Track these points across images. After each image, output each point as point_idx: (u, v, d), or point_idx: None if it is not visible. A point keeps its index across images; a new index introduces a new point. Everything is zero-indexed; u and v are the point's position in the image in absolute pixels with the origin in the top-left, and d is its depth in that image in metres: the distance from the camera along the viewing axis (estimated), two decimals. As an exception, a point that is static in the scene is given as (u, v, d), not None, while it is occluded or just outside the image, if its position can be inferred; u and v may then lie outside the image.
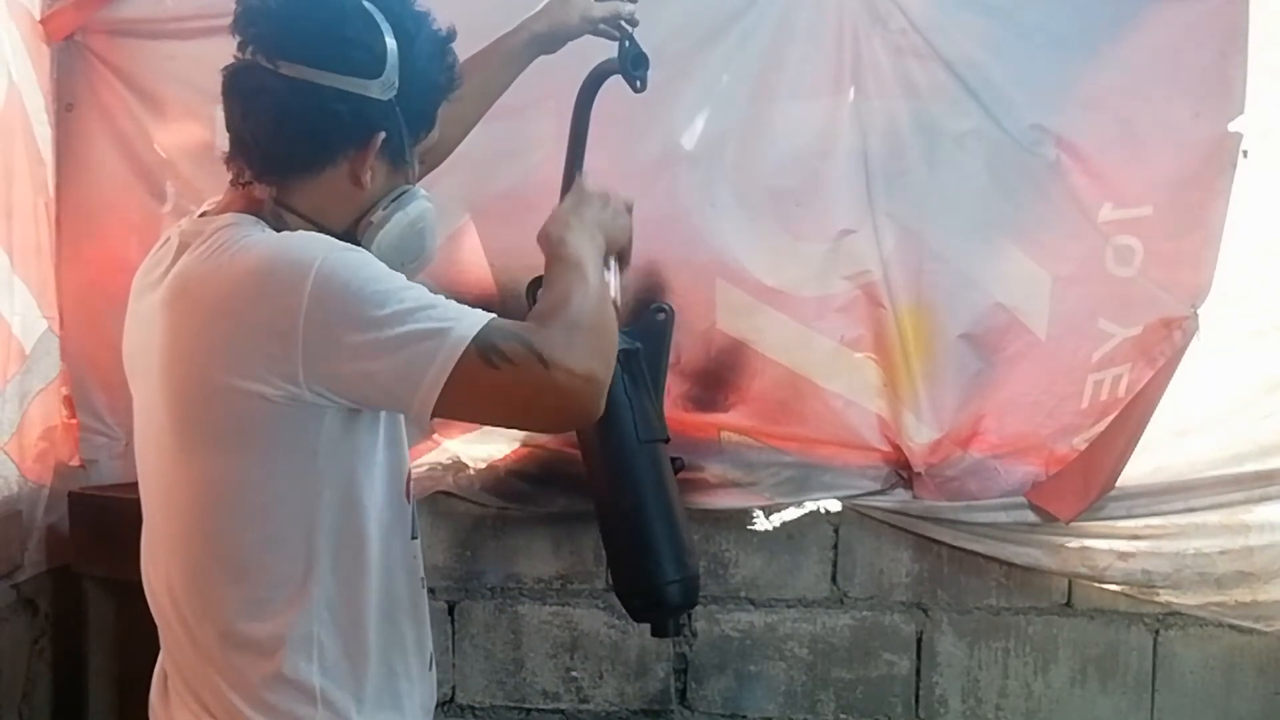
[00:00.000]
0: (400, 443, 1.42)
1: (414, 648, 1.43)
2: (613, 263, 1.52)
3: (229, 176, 1.36)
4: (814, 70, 2.46)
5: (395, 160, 1.35)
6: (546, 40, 1.84)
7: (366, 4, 1.32)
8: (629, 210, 1.57)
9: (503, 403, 1.27)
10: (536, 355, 1.21)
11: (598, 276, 1.38)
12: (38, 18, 2.44)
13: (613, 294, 1.47)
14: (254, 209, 1.33)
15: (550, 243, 1.41)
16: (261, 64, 1.29)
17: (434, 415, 1.23)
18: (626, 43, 1.86)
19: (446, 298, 1.25)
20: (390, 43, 1.30)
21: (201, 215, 1.38)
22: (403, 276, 1.26)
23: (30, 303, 2.42)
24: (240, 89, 1.33)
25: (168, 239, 1.38)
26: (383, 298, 1.20)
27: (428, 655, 1.47)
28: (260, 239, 1.27)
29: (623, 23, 1.86)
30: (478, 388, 1.22)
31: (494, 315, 1.25)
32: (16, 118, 2.35)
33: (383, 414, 1.35)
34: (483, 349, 1.20)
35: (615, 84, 1.89)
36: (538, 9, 1.84)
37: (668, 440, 1.84)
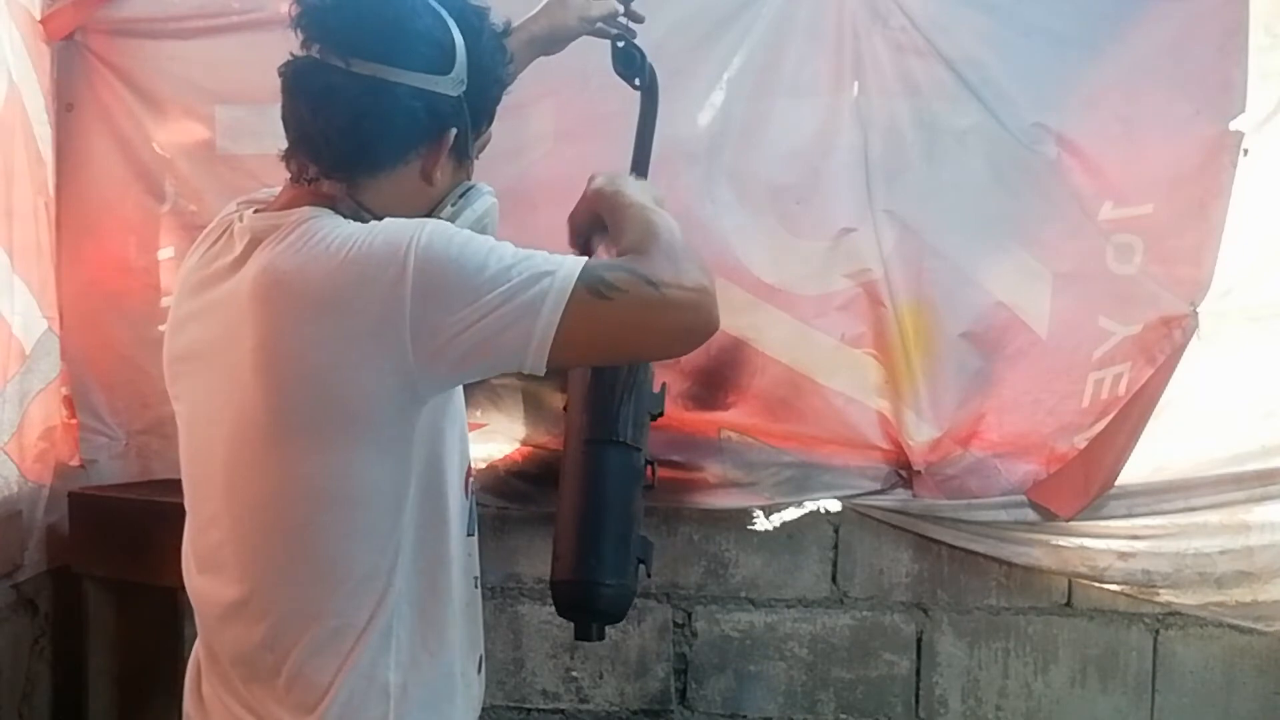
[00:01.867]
0: (466, 436, 1.43)
1: (468, 647, 1.42)
2: None
3: (287, 174, 1.33)
4: (814, 68, 2.47)
5: (461, 156, 1.36)
6: (545, 42, 1.84)
7: (437, 5, 1.32)
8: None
9: (622, 331, 1.26)
10: (645, 279, 1.22)
11: (651, 205, 1.39)
12: (38, 17, 2.43)
13: None
14: (327, 204, 1.31)
15: (605, 197, 1.43)
16: (331, 62, 1.27)
17: (553, 363, 1.21)
18: (619, 43, 1.86)
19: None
20: (459, 38, 1.30)
21: (257, 212, 1.35)
22: (491, 236, 1.27)
23: (30, 303, 2.41)
24: (307, 87, 1.30)
25: (226, 231, 1.35)
26: (482, 259, 1.20)
27: (479, 656, 1.46)
28: (352, 229, 1.25)
29: (625, 21, 1.86)
30: (594, 322, 1.22)
31: (590, 257, 1.26)
32: (16, 118, 2.34)
33: (459, 404, 1.36)
34: (591, 284, 1.20)
35: (616, 83, 1.89)
36: (535, 10, 1.85)
37: (640, 450, 1.84)
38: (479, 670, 1.46)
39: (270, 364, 1.24)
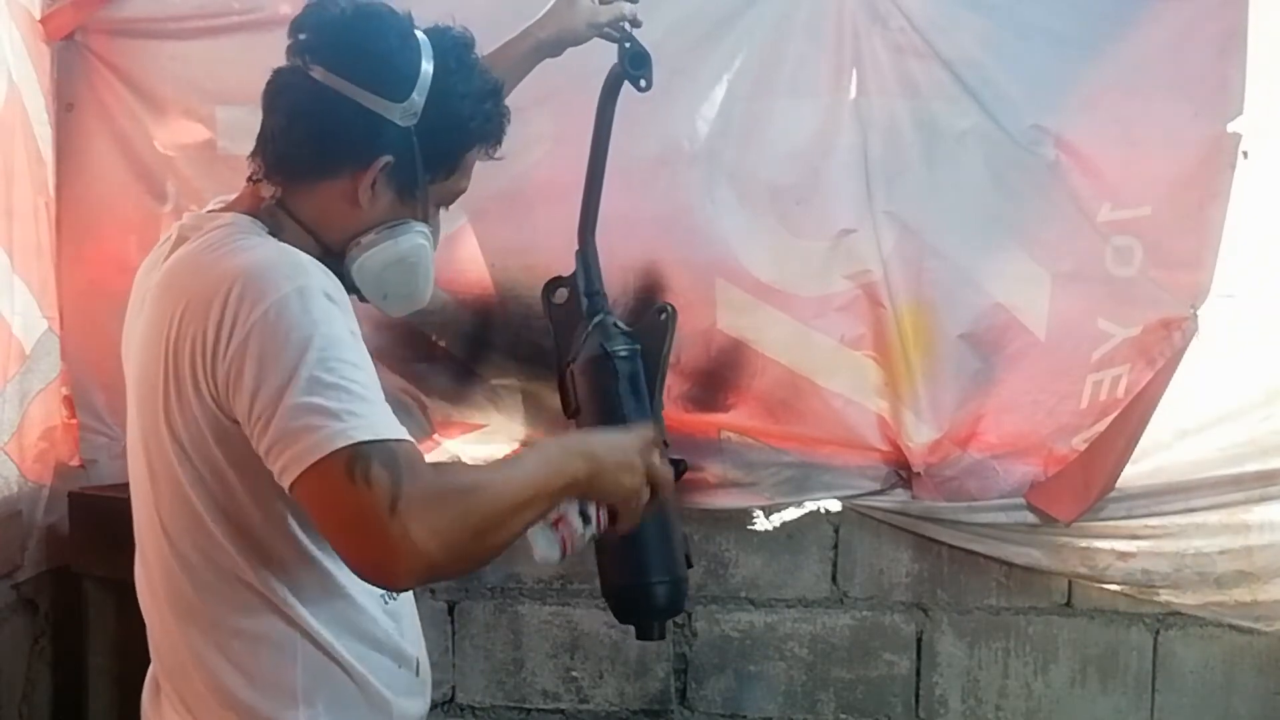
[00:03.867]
0: None
1: (393, 651, 1.41)
2: (593, 511, 1.35)
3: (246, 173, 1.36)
4: (814, 69, 2.47)
5: (404, 191, 1.34)
6: (551, 46, 1.85)
7: (419, 32, 1.32)
8: (656, 482, 1.42)
9: (334, 515, 1.15)
10: (392, 500, 1.11)
11: (543, 495, 1.24)
12: (38, 17, 2.43)
13: (576, 534, 1.34)
14: (255, 209, 1.34)
15: (561, 436, 1.40)
16: (296, 63, 1.31)
17: (291, 494, 1.16)
18: (627, 44, 1.86)
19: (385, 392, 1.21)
20: (425, 70, 1.30)
21: (208, 212, 1.38)
22: (356, 347, 1.21)
23: (30, 303, 2.42)
24: (272, 86, 1.34)
25: (169, 236, 1.38)
26: (317, 359, 1.16)
27: (414, 661, 1.45)
28: (247, 246, 1.26)
29: (625, 24, 1.87)
30: (325, 490, 1.14)
31: (409, 441, 1.17)
32: (16, 118, 2.35)
33: None
34: (356, 458, 1.12)
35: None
36: (541, 15, 1.84)
37: (667, 445, 1.84)
38: (416, 673, 1.46)
39: (152, 365, 1.27)
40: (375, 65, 1.29)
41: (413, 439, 1.19)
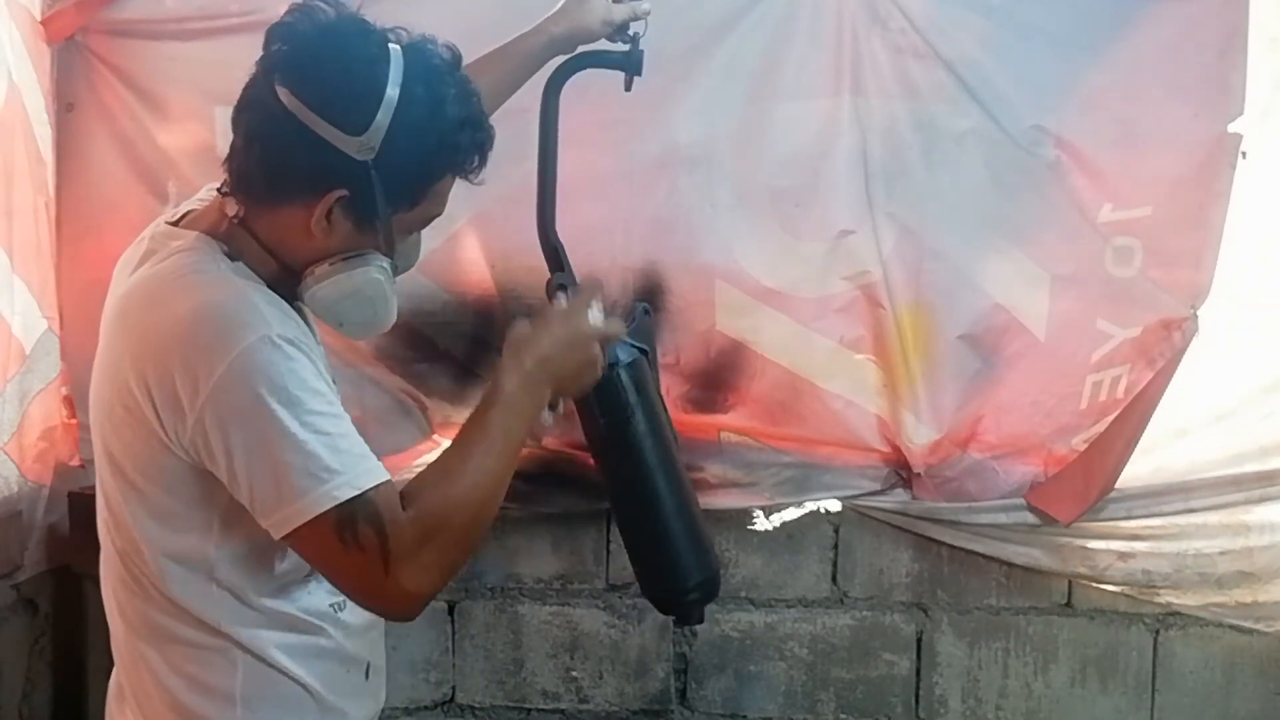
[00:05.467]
0: None
1: (339, 657, 1.42)
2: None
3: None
4: (813, 71, 2.46)
5: (362, 222, 1.29)
6: (565, 42, 1.82)
7: (395, 49, 1.27)
8: (614, 336, 1.49)
9: (333, 572, 1.27)
10: (384, 556, 1.20)
11: (510, 447, 1.33)
12: (38, 18, 2.43)
13: (545, 426, 1.41)
14: (218, 226, 1.33)
15: (494, 374, 1.38)
16: (264, 79, 1.28)
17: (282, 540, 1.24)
18: (640, 47, 1.85)
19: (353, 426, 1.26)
20: (385, 110, 1.24)
21: (181, 217, 1.39)
22: (321, 390, 1.23)
23: (30, 303, 2.42)
24: (241, 100, 1.32)
25: (143, 238, 1.40)
26: (286, 415, 1.19)
27: (364, 664, 1.47)
28: (204, 284, 1.26)
29: (639, 23, 1.86)
30: (319, 548, 1.22)
31: (384, 479, 1.23)
32: (16, 118, 2.34)
33: None
34: (342, 520, 1.20)
35: (615, 86, 1.89)
36: (554, 11, 1.83)
37: (678, 441, 1.85)
38: (366, 677, 1.48)
39: (104, 387, 1.32)
40: (334, 94, 1.24)
41: (386, 474, 1.25)
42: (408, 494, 1.26)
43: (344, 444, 1.22)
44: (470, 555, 1.31)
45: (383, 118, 1.24)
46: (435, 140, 1.29)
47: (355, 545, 1.19)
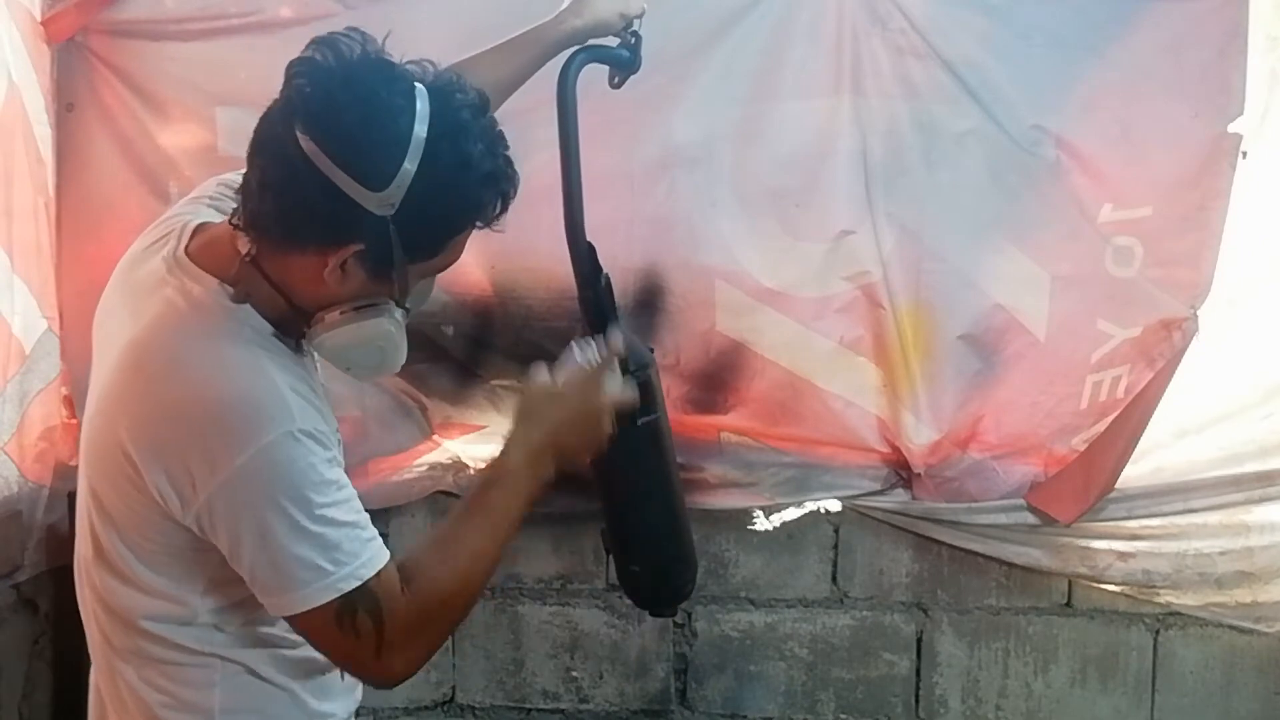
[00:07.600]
0: None
1: (317, 663, 1.42)
2: None
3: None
4: (813, 71, 2.46)
5: (378, 274, 1.27)
6: (584, 36, 1.78)
7: (418, 117, 1.21)
8: (622, 403, 1.49)
9: (326, 650, 1.31)
10: (378, 643, 1.26)
11: (509, 528, 1.37)
12: (39, 18, 2.43)
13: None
14: (230, 267, 1.29)
15: (505, 444, 1.41)
16: (286, 118, 1.22)
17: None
18: (638, 44, 1.84)
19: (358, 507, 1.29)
20: (408, 166, 1.20)
21: (196, 230, 1.37)
22: (335, 479, 1.26)
23: (30, 303, 2.41)
24: (258, 135, 1.26)
25: (169, 232, 1.39)
26: (297, 512, 1.22)
27: (337, 669, 1.47)
28: (231, 364, 1.25)
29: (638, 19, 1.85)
30: (316, 631, 1.27)
31: (384, 563, 1.27)
32: (16, 118, 2.34)
33: None
34: (343, 610, 1.24)
35: (617, 90, 1.89)
36: (571, 1, 1.78)
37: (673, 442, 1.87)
38: (341, 678, 1.48)
39: (101, 431, 1.30)
40: (356, 146, 1.19)
41: (387, 554, 1.29)
42: (405, 570, 1.30)
43: (350, 534, 1.25)
44: (449, 630, 1.40)
45: (405, 173, 1.20)
46: (459, 196, 1.27)
47: (352, 632, 1.25)
